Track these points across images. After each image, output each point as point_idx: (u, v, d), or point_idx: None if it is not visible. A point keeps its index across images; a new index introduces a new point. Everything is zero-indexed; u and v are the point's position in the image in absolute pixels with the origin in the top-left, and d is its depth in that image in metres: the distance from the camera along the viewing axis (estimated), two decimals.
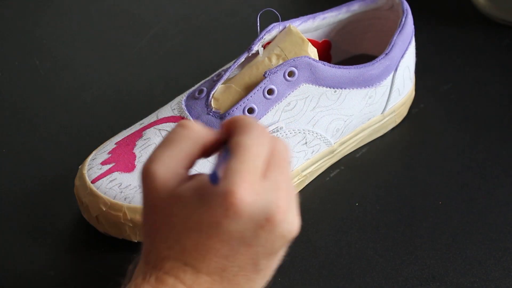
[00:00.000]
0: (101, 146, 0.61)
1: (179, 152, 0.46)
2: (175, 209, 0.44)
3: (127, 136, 0.60)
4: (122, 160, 0.58)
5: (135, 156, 0.59)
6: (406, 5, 0.65)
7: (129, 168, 0.58)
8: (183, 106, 0.60)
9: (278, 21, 0.61)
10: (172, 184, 0.45)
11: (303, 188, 0.64)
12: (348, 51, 0.70)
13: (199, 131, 0.46)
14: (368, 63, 0.62)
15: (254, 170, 0.44)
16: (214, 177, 0.43)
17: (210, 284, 0.45)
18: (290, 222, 0.45)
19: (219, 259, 0.45)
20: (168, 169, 0.45)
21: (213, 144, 0.47)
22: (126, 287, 0.45)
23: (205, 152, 0.47)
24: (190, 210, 0.44)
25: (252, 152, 0.44)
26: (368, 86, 0.62)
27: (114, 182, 0.58)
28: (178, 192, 0.44)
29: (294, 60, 0.59)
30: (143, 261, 0.46)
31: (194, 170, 0.58)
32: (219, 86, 0.60)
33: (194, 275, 0.45)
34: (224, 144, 0.47)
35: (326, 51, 0.69)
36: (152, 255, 0.45)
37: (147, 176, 0.45)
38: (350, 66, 0.61)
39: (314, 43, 0.67)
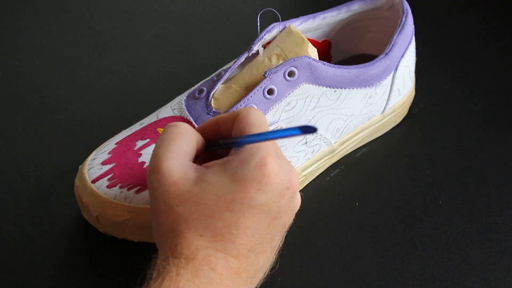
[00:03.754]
0: (101, 146, 0.61)
1: (181, 146, 0.48)
2: (205, 194, 0.47)
3: (128, 136, 0.60)
4: (123, 160, 0.58)
5: (135, 156, 0.59)
6: (406, 5, 0.65)
7: (130, 168, 0.58)
8: (183, 106, 0.60)
9: (278, 21, 0.61)
10: (190, 174, 0.47)
11: (303, 187, 0.64)
12: (348, 51, 0.70)
13: (190, 128, 0.50)
14: (368, 63, 0.62)
15: (273, 146, 0.48)
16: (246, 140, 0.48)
17: (238, 268, 0.47)
18: (298, 196, 0.51)
19: (249, 237, 0.47)
20: (179, 162, 0.48)
21: (203, 142, 0.51)
22: (156, 283, 0.46)
23: (198, 148, 0.51)
24: (222, 192, 0.47)
25: (264, 129, 0.49)
26: (368, 86, 0.62)
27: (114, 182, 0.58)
28: (204, 178, 0.47)
29: (294, 60, 0.59)
30: (171, 256, 0.47)
31: None
32: (219, 86, 0.60)
33: (224, 259, 0.47)
34: (216, 146, 0.51)
35: (326, 51, 0.69)
36: (182, 248, 0.47)
37: (161, 173, 0.47)
38: (350, 66, 0.61)
39: (314, 43, 0.67)
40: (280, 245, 0.51)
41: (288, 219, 0.50)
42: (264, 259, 0.49)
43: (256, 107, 0.59)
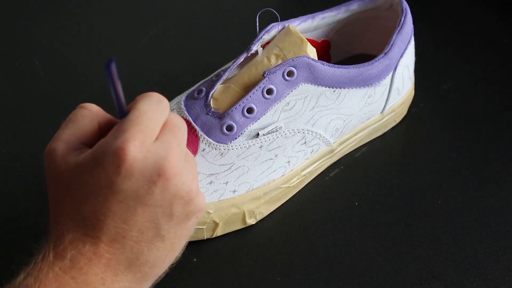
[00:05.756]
0: None
1: (77, 129, 0.48)
2: (74, 177, 0.46)
3: None
4: None
5: None
6: (405, 4, 0.65)
7: None
8: (182, 106, 0.60)
9: (277, 21, 0.61)
10: (72, 157, 0.47)
11: (303, 188, 0.64)
12: (347, 50, 0.70)
13: (95, 109, 0.49)
14: (367, 63, 0.62)
15: (146, 131, 0.46)
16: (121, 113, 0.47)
17: (111, 254, 0.46)
18: (185, 182, 0.47)
19: (118, 223, 0.46)
20: (67, 145, 0.47)
21: (109, 121, 0.50)
22: (28, 267, 0.46)
23: (102, 130, 0.50)
24: (87, 175, 0.46)
25: (147, 115, 0.47)
26: (367, 86, 0.62)
27: None
28: (76, 161, 0.46)
29: (293, 60, 0.59)
30: (46, 240, 0.47)
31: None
32: (218, 86, 0.60)
33: (94, 245, 0.46)
34: None
35: (326, 51, 0.69)
36: (54, 231, 0.46)
37: (48, 154, 0.47)
38: (349, 66, 0.61)
39: (313, 42, 0.67)
40: (187, 239, 0.49)
41: (173, 208, 0.47)
42: (150, 247, 0.47)
43: (255, 107, 0.59)
